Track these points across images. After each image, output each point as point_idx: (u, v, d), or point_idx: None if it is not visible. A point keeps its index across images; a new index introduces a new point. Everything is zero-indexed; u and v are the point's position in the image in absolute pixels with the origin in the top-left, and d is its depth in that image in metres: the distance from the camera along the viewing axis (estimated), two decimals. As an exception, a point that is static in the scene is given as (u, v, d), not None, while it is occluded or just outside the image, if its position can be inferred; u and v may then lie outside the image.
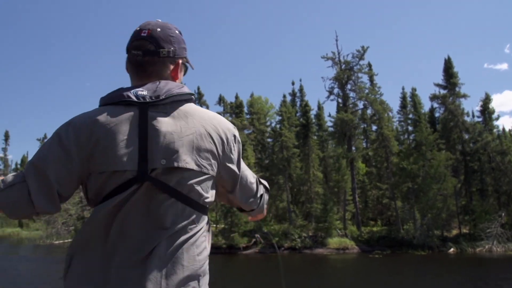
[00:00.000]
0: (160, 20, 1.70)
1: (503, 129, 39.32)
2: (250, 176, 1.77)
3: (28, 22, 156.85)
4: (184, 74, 1.80)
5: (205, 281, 1.52)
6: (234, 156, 1.63)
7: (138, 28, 1.65)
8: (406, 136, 45.41)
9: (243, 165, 1.71)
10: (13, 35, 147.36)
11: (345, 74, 39.27)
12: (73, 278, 1.44)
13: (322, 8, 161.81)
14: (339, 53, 40.29)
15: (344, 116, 37.58)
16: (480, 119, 39.71)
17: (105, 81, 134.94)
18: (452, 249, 32.80)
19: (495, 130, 39.60)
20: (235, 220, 33.26)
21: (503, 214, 33.53)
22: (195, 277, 1.46)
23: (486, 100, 39.00)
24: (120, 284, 1.39)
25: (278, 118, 44.34)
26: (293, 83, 47.28)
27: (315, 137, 41.80)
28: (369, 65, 40.93)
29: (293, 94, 46.64)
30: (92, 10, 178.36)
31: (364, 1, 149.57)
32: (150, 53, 1.60)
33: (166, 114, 1.50)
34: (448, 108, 37.91)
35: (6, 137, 77.47)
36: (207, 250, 1.57)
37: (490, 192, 37.30)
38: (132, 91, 1.51)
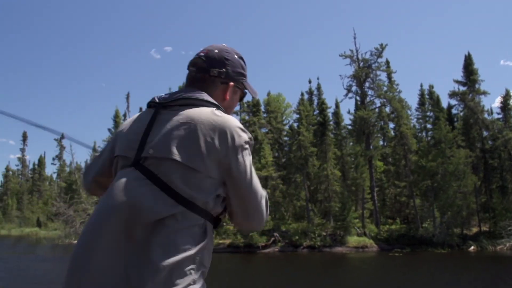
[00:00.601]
0: (225, 45, 1.82)
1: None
2: (256, 191, 1.62)
3: (48, 23, 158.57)
4: (241, 99, 1.91)
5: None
6: (234, 163, 1.55)
7: (201, 49, 1.81)
8: (424, 134, 45.38)
9: (249, 177, 1.59)
10: (30, 36, 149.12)
11: (363, 72, 39.28)
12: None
13: (339, 6, 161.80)
14: (357, 51, 40.37)
15: (364, 113, 37.60)
16: (500, 116, 39.54)
17: (119, 81, 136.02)
18: (472, 247, 32.73)
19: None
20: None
21: (523, 211, 33.38)
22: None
23: (507, 96, 38.82)
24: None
25: (295, 116, 44.48)
26: (310, 82, 47.33)
27: (332, 135, 41.80)
28: (387, 62, 40.90)
29: (310, 93, 46.70)
30: (110, 11, 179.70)
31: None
32: (202, 70, 1.74)
33: (173, 113, 1.60)
34: (467, 105, 37.82)
35: (24, 137, 78.47)
36: (191, 257, 1.49)
37: (510, 189, 37.16)
38: (161, 95, 1.70)
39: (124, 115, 45.58)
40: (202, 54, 1.77)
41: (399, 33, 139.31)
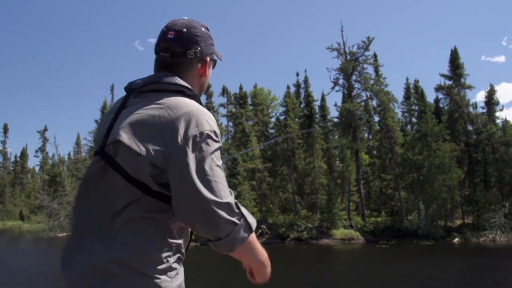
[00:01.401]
0: (186, 18, 1.75)
1: (505, 120, 39.80)
2: (213, 186, 1.44)
3: (27, 16, 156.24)
4: (213, 67, 1.86)
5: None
6: (189, 154, 1.43)
7: (165, 29, 1.71)
8: (409, 127, 45.97)
9: (208, 169, 1.45)
10: (12, 27, 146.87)
11: (350, 65, 39.56)
12: None
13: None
14: (344, 44, 40.66)
15: (350, 106, 37.89)
16: (484, 110, 40.14)
17: (102, 73, 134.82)
18: (456, 239, 33.33)
19: (498, 121, 40.03)
20: (241, 211, 33.52)
21: (507, 204, 34.00)
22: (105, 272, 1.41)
23: (491, 91, 39.44)
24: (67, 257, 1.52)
25: (281, 109, 44.65)
26: (297, 74, 47.49)
27: (319, 128, 42.08)
28: (375, 55, 41.26)
29: (297, 85, 46.87)
30: (93, 2, 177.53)
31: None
32: (178, 55, 1.67)
33: (141, 99, 1.58)
34: (453, 99, 38.36)
35: (5, 129, 77.47)
36: (155, 248, 1.46)
37: (493, 183, 37.83)
38: (136, 80, 1.67)
39: (103, 108, 45.31)
40: (170, 36, 1.68)
41: (385, 27, 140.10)
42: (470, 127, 39.32)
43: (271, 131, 47.74)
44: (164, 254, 1.47)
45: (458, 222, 37.24)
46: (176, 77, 1.61)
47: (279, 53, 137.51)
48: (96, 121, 43.33)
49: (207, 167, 1.44)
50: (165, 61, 1.68)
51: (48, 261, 23.10)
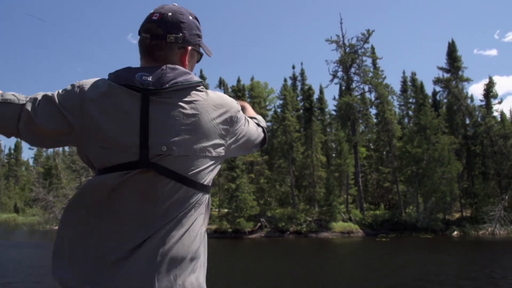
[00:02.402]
0: (176, 4, 1.72)
1: (502, 112, 39.76)
2: (253, 136, 1.82)
3: (22, 10, 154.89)
4: (198, 61, 1.82)
5: (198, 263, 1.55)
6: (239, 133, 1.70)
7: (152, 11, 1.68)
8: (406, 120, 45.94)
9: (246, 128, 1.77)
10: (7, 21, 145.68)
11: (350, 58, 39.36)
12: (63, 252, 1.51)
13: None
14: (343, 36, 40.41)
15: (349, 99, 37.74)
16: (482, 103, 40.12)
17: (96, 66, 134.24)
18: (455, 232, 33.42)
19: (496, 113, 40.01)
20: (240, 205, 33.47)
21: (506, 197, 34.05)
22: (188, 263, 1.51)
23: (490, 84, 39.39)
24: (105, 278, 1.44)
25: (278, 102, 44.48)
26: (293, 67, 47.29)
27: (318, 121, 41.91)
28: (372, 48, 41.07)
29: (293, 78, 46.64)
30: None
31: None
32: (158, 37, 1.63)
33: (169, 101, 1.52)
34: (451, 92, 38.31)
35: (-1, 122, 76.19)
36: (202, 231, 1.60)
37: (492, 175, 37.89)
38: (137, 74, 1.53)
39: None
40: (154, 18, 1.64)
41: (380, 20, 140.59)
42: (468, 120, 39.32)
43: (268, 124, 47.54)
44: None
45: (457, 215, 37.31)
46: (190, 73, 1.60)
47: (276, 46, 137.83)
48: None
49: (250, 125, 1.80)
50: (145, 42, 1.64)
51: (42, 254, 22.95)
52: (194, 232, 1.54)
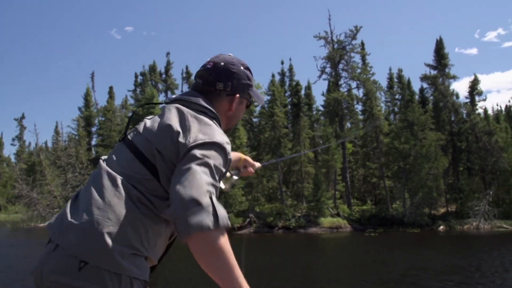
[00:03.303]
0: (231, 55, 1.90)
1: (485, 109, 40.58)
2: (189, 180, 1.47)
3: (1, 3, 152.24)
4: (248, 107, 1.98)
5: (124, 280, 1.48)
6: (191, 153, 1.55)
7: (208, 59, 1.88)
8: (392, 117, 46.38)
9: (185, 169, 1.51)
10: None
11: (338, 54, 39.60)
12: None
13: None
14: (331, 32, 40.63)
15: (338, 95, 37.99)
16: (467, 100, 40.75)
17: (79, 61, 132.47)
18: (441, 227, 33.91)
19: (480, 110, 40.68)
20: (229, 200, 33.48)
21: (491, 192, 34.66)
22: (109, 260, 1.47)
23: (474, 81, 40.01)
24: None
25: (266, 98, 44.50)
26: (282, 63, 47.35)
27: (306, 117, 42.09)
28: (362, 44, 41.38)
29: (282, 74, 46.74)
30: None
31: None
32: (208, 83, 1.82)
33: (168, 107, 1.76)
34: (438, 89, 38.85)
35: (-20, 117, 75.20)
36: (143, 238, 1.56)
37: (476, 171, 38.55)
38: (174, 96, 1.86)
39: (87, 95, 44.33)
40: (208, 66, 1.84)
41: (369, 17, 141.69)
42: (453, 117, 39.91)
43: (254, 120, 47.62)
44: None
45: (442, 210, 37.90)
46: (202, 99, 1.77)
47: (264, 41, 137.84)
48: (79, 108, 42.50)
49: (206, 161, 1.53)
50: (197, 87, 1.85)
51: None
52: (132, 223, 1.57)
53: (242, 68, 1.88)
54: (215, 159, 1.55)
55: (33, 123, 65.66)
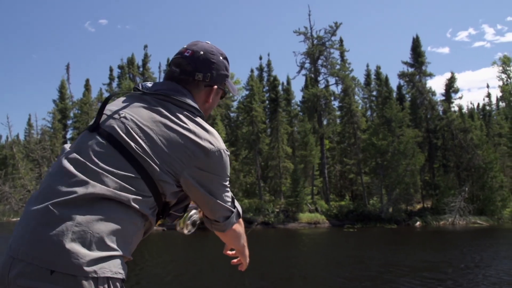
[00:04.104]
0: (209, 43, 1.81)
1: (460, 107, 41.06)
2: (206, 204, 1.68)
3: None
4: (222, 98, 1.90)
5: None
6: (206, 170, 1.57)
7: (185, 47, 1.76)
8: (369, 113, 46.62)
9: (223, 183, 1.65)
10: None
11: (317, 50, 39.51)
12: None
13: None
14: (311, 28, 40.49)
15: (317, 91, 37.96)
16: (443, 98, 41.13)
17: (52, 53, 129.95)
18: (418, 223, 34.27)
19: (455, 108, 41.16)
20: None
21: (466, 189, 35.15)
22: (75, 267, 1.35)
23: (451, 79, 40.42)
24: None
25: (244, 93, 44.33)
26: (260, 58, 47.20)
27: (284, 112, 42.04)
28: (341, 40, 41.40)
29: (260, 69, 46.54)
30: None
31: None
32: (186, 73, 1.71)
33: (155, 104, 1.62)
34: (415, 86, 39.15)
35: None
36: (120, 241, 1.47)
37: (451, 168, 39.03)
38: (145, 83, 1.75)
39: (62, 87, 43.44)
40: (187, 54, 1.73)
41: (348, 15, 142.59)
42: (430, 114, 40.27)
43: (232, 114, 47.43)
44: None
45: (418, 206, 38.28)
46: (187, 97, 1.66)
47: (243, 35, 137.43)
48: (54, 101, 41.55)
49: (221, 181, 1.63)
50: (174, 74, 1.72)
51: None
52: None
53: (221, 58, 1.78)
54: (226, 169, 1.62)
55: (5, 115, 63.69)
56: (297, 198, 34.73)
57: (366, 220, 34.68)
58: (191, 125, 1.57)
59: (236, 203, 1.72)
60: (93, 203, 1.43)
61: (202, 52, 1.72)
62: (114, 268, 1.42)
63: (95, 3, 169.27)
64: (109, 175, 1.47)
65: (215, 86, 1.77)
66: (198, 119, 1.62)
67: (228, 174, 1.65)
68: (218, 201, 1.63)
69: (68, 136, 41.04)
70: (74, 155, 1.53)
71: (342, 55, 41.55)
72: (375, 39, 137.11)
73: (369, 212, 35.51)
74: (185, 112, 1.61)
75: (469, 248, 21.36)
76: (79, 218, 1.39)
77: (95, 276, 1.36)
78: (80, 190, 1.43)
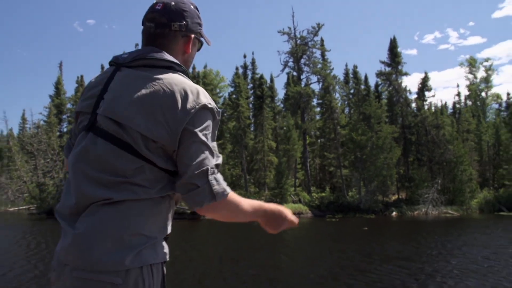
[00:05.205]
0: None
1: (431, 104, 41.48)
2: (197, 153, 1.44)
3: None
4: (199, 50, 1.78)
5: (133, 275, 1.37)
6: (189, 126, 1.43)
7: (155, 1, 1.64)
8: (347, 110, 46.61)
9: (203, 138, 1.45)
10: None
11: (300, 49, 39.21)
12: None
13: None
14: (295, 29, 40.05)
15: (301, 89, 37.72)
16: (416, 96, 41.29)
17: (43, 51, 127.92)
18: (394, 213, 34.44)
19: (426, 106, 41.39)
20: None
21: (439, 181, 35.53)
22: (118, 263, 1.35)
23: (425, 78, 40.56)
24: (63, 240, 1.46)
25: (230, 90, 43.89)
26: (245, 56, 46.87)
27: (268, 109, 41.69)
28: (322, 41, 41.12)
29: (244, 67, 46.14)
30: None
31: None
32: (162, 25, 1.60)
33: (131, 74, 1.51)
34: (392, 84, 39.16)
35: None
36: (152, 227, 1.45)
37: (425, 162, 39.24)
38: (123, 54, 1.59)
39: (58, 83, 42.61)
40: (158, 7, 1.61)
41: (327, 16, 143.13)
42: (405, 111, 40.36)
43: (220, 110, 46.86)
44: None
45: (393, 197, 38.45)
46: (165, 53, 1.56)
47: (228, 35, 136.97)
48: (50, 96, 40.58)
49: (202, 137, 1.43)
50: (149, 31, 1.61)
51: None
52: (137, 221, 1.43)
53: (192, 7, 1.68)
54: (207, 129, 1.48)
55: (2, 111, 63.19)
56: (281, 190, 34.50)
57: (346, 211, 34.66)
58: (171, 86, 1.45)
59: (219, 176, 1.47)
60: (111, 206, 1.39)
61: (173, 3, 1.62)
62: (156, 255, 1.43)
63: (84, 4, 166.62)
64: (116, 178, 1.41)
65: (192, 35, 1.67)
66: (178, 75, 1.52)
67: (210, 130, 1.49)
68: (191, 157, 1.41)
69: (64, 130, 40.39)
70: (74, 164, 1.48)
71: (323, 54, 41.32)
72: (353, 40, 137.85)
73: (349, 203, 35.49)
74: (165, 73, 1.49)
75: (442, 236, 21.66)
76: (106, 224, 1.37)
77: (140, 265, 1.37)
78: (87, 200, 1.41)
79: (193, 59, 1.76)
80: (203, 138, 1.43)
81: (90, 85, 1.61)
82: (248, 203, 1.58)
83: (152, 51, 1.54)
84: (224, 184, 1.47)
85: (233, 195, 1.51)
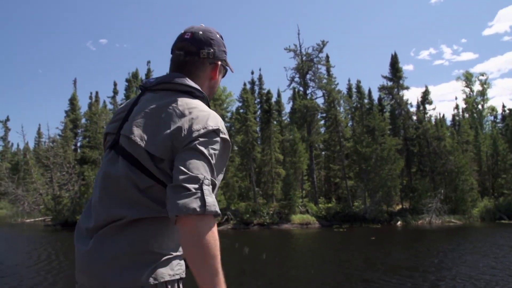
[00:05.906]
0: (203, 25, 1.69)
1: (431, 117, 41.26)
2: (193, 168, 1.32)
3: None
4: (223, 76, 1.77)
5: None
6: (191, 145, 1.36)
7: (183, 32, 1.66)
8: (350, 123, 46.34)
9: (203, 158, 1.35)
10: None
11: (306, 65, 39.04)
12: None
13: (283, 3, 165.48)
14: (300, 46, 39.93)
15: (308, 102, 37.52)
16: (413, 109, 41.04)
17: (57, 69, 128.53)
18: (399, 222, 34.03)
19: (427, 119, 41.11)
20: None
21: (442, 191, 35.21)
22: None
23: (426, 92, 40.33)
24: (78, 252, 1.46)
25: (238, 104, 43.71)
26: (252, 73, 46.88)
27: (275, 122, 41.43)
28: (327, 57, 40.95)
29: (252, 83, 45.95)
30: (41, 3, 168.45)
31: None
32: (191, 53, 1.61)
33: (152, 97, 1.53)
34: (394, 98, 38.92)
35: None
36: (167, 245, 1.42)
37: (427, 172, 38.87)
38: (148, 79, 1.62)
39: (73, 99, 42.56)
40: (187, 37, 1.63)
41: (332, 33, 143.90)
42: (407, 124, 40.07)
43: (228, 124, 46.72)
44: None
45: (397, 207, 38.02)
46: (187, 79, 1.56)
47: (236, 52, 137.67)
48: (66, 111, 40.53)
49: (205, 152, 1.36)
50: (179, 59, 1.63)
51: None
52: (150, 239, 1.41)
53: (218, 36, 1.70)
54: (213, 150, 1.39)
55: (20, 125, 63.44)
56: (289, 201, 34.14)
57: (352, 221, 34.34)
58: (183, 108, 1.44)
59: (208, 193, 1.27)
60: (125, 225, 1.37)
61: (201, 32, 1.65)
62: (171, 271, 1.39)
63: (97, 24, 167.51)
64: (131, 197, 1.40)
65: (219, 62, 1.68)
66: (196, 100, 1.51)
67: (215, 152, 1.39)
68: (190, 163, 1.32)
69: (78, 144, 40.27)
70: (96, 187, 1.51)
71: (328, 70, 41.15)
72: (356, 56, 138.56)
73: (354, 213, 35.15)
74: (182, 97, 1.50)
75: (445, 245, 21.42)
76: (120, 242, 1.36)
77: (155, 282, 1.33)
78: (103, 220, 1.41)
79: (219, 84, 1.74)
80: (206, 153, 1.36)
81: (119, 109, 1.63)
82: (219, 263, 1.30)
83: (175, 76, 1.56)
84: (216, 203, 1.30)
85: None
